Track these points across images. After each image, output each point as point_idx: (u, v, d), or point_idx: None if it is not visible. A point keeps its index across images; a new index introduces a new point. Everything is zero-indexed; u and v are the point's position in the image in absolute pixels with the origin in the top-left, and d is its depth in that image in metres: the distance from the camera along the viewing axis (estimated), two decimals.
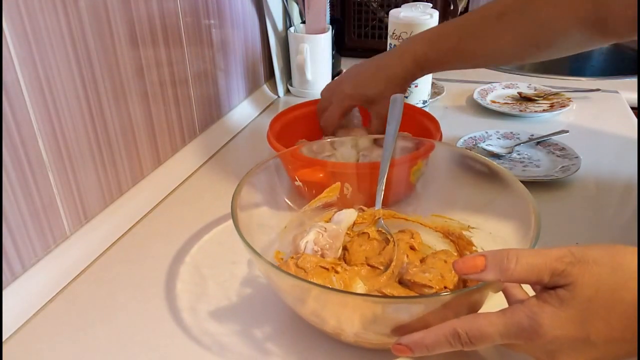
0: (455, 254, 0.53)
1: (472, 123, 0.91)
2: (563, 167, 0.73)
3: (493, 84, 1.04)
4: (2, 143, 0.47)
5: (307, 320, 0.46)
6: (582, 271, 0.33)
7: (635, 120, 0.92)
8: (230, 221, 0.46)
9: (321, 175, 0.58)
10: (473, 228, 0.54)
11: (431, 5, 0.88)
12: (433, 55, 0.65)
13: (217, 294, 0.53)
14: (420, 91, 0.89)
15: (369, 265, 0.51)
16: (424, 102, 0.91)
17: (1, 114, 0.47)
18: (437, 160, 0.60)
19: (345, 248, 0.53)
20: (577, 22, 0.57)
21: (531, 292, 0.38)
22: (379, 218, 0.56)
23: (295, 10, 1.03)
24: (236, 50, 0.91)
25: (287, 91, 1.08)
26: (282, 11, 1.03)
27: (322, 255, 0.50)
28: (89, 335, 0.48)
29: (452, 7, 1.10)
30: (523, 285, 0.41)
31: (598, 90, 1.01)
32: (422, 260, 0.50)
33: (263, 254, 0.43)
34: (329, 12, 1.01)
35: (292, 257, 0.49)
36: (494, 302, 0.40)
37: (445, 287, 0.45)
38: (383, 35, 1.22)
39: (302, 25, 1.03)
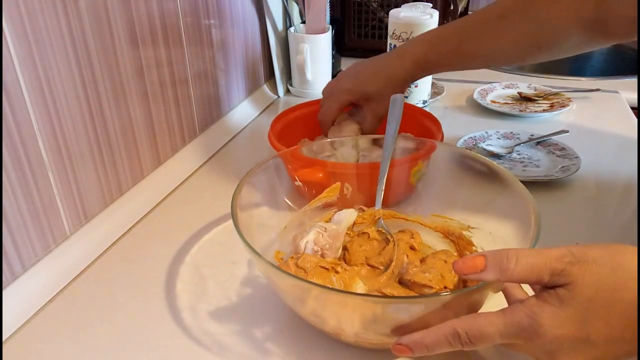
0: (455, 254, 0.53)
1: (472, 123, 0.91)
2: (563, 167, 0.73)
3: (493, 84, 1.04)
4: (2, 143, 0.47)
5: (307, 320, 0.46)
6: (582, 271, 0.33)
7: (635, 120, 0.92)
8: (230, 221, 0.46)
9: (321, 175, 0.58)
10: (473, 228, 0.54)
11: (431, 5, 0.88)
12: (433, 57, 0.66)
13: (217, 294, 0.53)
14: (420, 91, 0.89)
15: (369, 265, 0.51)
16: (424, 102, 0.91)
17: (1, 114, 0.47)
18: (437, 161, 0.60)
19: (345, 248, 0.53)
20: (578, 23, 0.57)
21: (531, 292, 0.38)
22: (379, 218, 0.56)
23: (295, 10, 1.03)
24: (236, 50, 0.91)
25: (287, 91, 1.08)
26: (282, 11, 1.03)
27: (322, 255, 0.50)
28: (89, 335, 0.48)
29: (452, 7, 1.10)
30: (523, 285, 0.41)
31: (598, 90, 1.01)
32: (422, 260, 0.50)
33: (263, 254, 0.43)
34: (329, 12, 1.01)
35: (292, 257, 0.49)
36: (494, 302, 0.40)
37: (445, 287, 0.45)
38: (383, 35, 1.21)
39: (302, 25, 1.03)
